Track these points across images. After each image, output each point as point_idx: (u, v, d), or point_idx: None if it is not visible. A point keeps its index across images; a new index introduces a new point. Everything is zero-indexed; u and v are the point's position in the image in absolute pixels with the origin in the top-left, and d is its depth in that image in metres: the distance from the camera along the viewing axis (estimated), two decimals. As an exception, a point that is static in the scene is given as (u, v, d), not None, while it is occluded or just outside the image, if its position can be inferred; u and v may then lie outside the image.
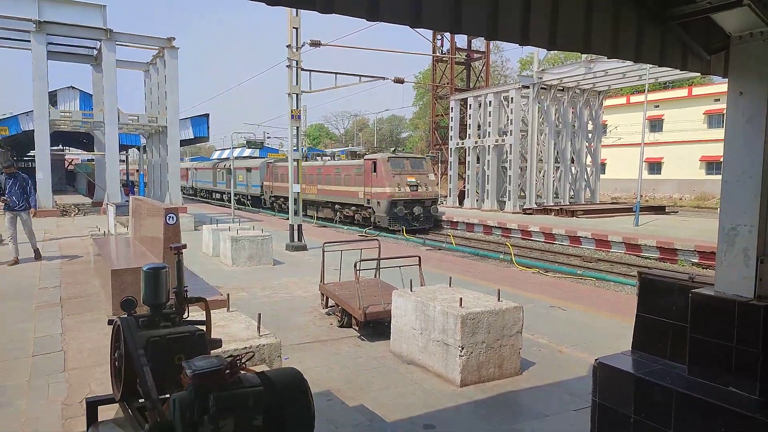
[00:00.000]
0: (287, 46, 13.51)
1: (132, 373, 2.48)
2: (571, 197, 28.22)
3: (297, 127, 14.09)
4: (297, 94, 13.76)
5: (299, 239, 13.64)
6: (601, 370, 3.70)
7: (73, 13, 18.19)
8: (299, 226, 13.77)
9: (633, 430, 3.43)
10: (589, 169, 29.08)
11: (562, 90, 26.72)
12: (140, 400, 2.55)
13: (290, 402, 2.15)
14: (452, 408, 4.46)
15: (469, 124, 28.85)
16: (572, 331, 6.69)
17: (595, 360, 3.79)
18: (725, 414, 2.93)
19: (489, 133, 27.17)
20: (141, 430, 2.31)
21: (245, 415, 1.98)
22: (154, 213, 7.20)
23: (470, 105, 28.70)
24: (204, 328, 2.84)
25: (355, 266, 6.59)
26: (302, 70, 13.81)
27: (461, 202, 30.28)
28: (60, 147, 40.08)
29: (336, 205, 26.97)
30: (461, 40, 34.87)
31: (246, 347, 4.18)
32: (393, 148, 31.72)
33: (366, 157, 24.82)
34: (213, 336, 3.01)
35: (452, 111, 30.65)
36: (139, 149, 33.03)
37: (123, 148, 31.64)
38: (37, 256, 10.33)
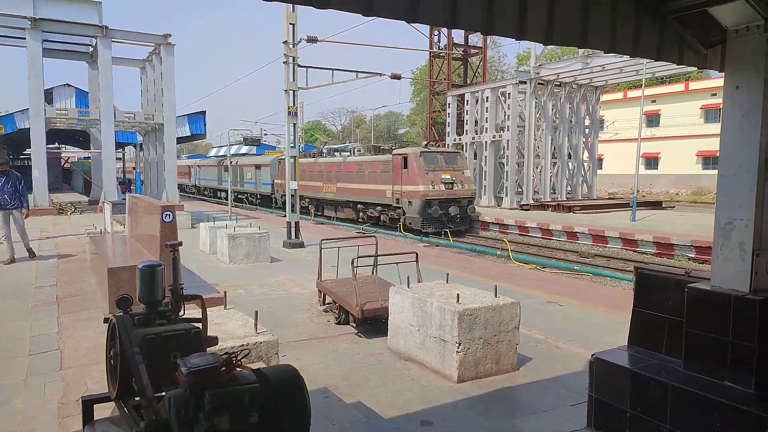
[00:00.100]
0: (284, 43, 13.47)
1: (127, 371, 2.47)
2: (568, 193, 28.24)
3: (294, 124, 14.07)
4: (294, 91, 13.74)
5: (296, 236, 13.63)
6: (598, 365, 3.71)
7: (68, 10, 18.07)
8: (296, 224, 13.76)
9: (629, 425, 3.44)
10: (586, 164, 29.07)
11: (559, 85, 26.69)
12: (136, 398, 2.54)
13: (286, 399, 2.15)
14: (449, 404, 4.46)
15: (467, 120, 28.78)
16: (569, 326, 6.70)
17: (592, 355, 3.80)
18: (721, 408, 2.94)
19: (486, 128, 27.12)
20: (136, 428, 2.31)
21: (241, 412, 1.97)
22: (150, 211, 7.18)
23: (467, 101, 28.64)
24: (200, 325, 2.83)
25: (352, 263, 6.59)
26: (299, 66, 13.78)
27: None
28: (56, 145, 39.84)
29: (359, 205, 24.59)
30: (458, 35, 34.86)
31: (243, 345, 4.16)
32: (425, 142, 27.99)
33: (395, 151, 22.59)
34: (209, 333, 3.00)
35: (449, 107, 30.56)
36: (135, 147, 32.89)
37: (119, 145, 31.43)
38: (31, 255, 10.29)
